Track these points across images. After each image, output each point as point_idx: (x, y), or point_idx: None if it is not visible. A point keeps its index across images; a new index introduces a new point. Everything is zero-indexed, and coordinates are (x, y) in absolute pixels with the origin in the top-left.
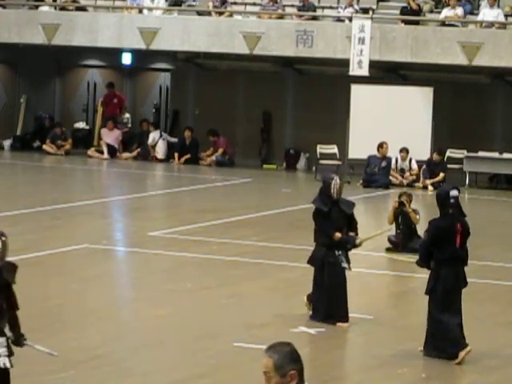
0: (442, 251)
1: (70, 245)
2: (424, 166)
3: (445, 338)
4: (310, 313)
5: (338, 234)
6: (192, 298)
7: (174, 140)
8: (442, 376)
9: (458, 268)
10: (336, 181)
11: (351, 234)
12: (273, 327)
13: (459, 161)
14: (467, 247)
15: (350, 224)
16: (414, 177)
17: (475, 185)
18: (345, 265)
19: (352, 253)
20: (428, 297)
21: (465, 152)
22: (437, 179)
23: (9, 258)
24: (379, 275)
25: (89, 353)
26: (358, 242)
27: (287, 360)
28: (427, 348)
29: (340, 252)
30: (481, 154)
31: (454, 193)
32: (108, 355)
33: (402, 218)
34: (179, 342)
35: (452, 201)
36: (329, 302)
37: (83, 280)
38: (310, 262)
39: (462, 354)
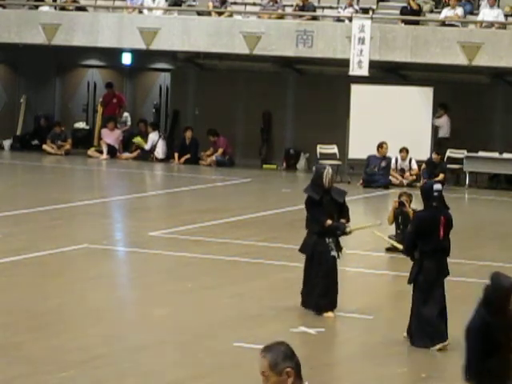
0: (426, 242)
1: (70, 245)
2: (424, 166)
3: (425, 330)
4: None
5: (328, 221)
6: (192, 297)
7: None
8: (442, 376)
9: (440, 259)
10: (328, 171)
11: (342, 220)
12: (273, 327)
13: (459, 161)
14: (450, 239)
15: (342, 211)
16: (414, 177)
17: (475, 185)
18: (334, 253)
19: (352, 252)
20: (412, 287)
21: (465, 152)
22: (436, 179)
23: (9, 258)
24: (379, 275)
25: (89, 353)
26: (348, 230)
27: (281, 358)
28: (413, 338)
29: (330, 239)
30: (481, 154)
31: (437, 186)
32: (108, 355)
33: (402, 218)
34: (179, 342)
35: (436, 194)
36: (314, 289)
37: (83, 280)
38: (302, 249)
39: (438, 346)
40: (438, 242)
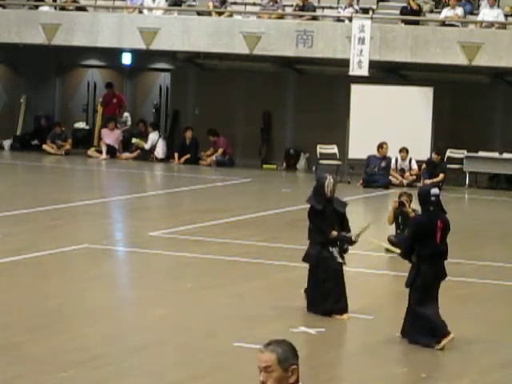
0: (423, 246)
1: (70, 245)
2: (424, 166)
3: (424, 330)
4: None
5: (334, 232)
6: (192, 297)
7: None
8: (442, 376)
9: (438, 263)
10: (330, 180)
11: (344, 233)
12: (273, 327)
13: (459, 161)
14: (447, 242)
15: (343, 221)
16: (414, 177)
17: (475, 185)
18: (340, 260)
19: (352, 252)
20: (409, 289)
21: (465, 152)
22: (436, 179)
23: (9, 258)
24: (379, 275)
25: (89, 353)
26: (354, 238)
27: (290, 354)
28: (410, 336)
29: (334, 249)
30: (481, 153)
31: (434, 191)
32: (108, 355)
33: (402, 218)
34: (179, 342)
35: (433, 198)
36: (326, 296)
37: (83, 280)
38: (305, 259)
39: (444, 341)
40: (435, 246)
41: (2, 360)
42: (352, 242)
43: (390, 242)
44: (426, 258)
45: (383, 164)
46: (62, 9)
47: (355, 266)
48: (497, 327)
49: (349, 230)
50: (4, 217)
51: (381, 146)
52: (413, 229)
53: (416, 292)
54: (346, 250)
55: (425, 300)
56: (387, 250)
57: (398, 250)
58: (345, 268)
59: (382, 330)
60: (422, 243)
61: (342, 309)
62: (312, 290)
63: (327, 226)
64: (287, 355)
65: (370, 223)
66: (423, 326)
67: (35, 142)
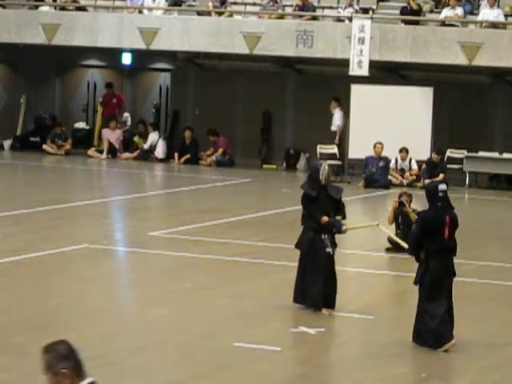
0: (431, 242)
1: (70, 245)
2: (424, 166)
3: (429, 330)
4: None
5: (325, 218)
6: (192, 297)
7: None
8: (442, 376)
9: (446, 259)
10: (324, 167)
11: (338, 218)
12: (273, 327)
13: (459, 161)
14: (455, 238)
15: (338, 208)
16: (414, 177)
17: (475, 185)
18: (329, 249)
19: (352, 252)
20: (418, 287)
21: (465, 152)
22: (436, 179)
23: (9, 258)
24: (379, 275)
25: (89, 353)
26: (343, 228)
27: (57, 359)
28: (414, 335)
29: (326, 236)
30: (481, 154)
31: (442, 187)
32: (108, 355)
33: (402, 218)
34: (179, 342)
35: (441, 194)
36: (313, 288)
37: (83, 280)
38: (297, 245)
39: (446, 345)
40: (444, 241)
41: (3, 360)
42: (340, 231)
43: (390, 241)
44: (435, 254)
45: (381, 164)
46: (62, 9)
47: (355, 266)
48: (497, 327)
49: (344, 216)
50: (4, 217)
51: (374, 146)
52: (419, 224)
53: (425, 289)
54: (334, 233)
55: (434, 297)
56: (387, 250)
57: (404, 244)
58: (344, 268)
59: (382, 329)
60: (430, 238)
61: (326, 301)
62: (298, 278)
63: (319, 212)
64: (53, 361)
65: (373, 225)
66: (430, 329)
67: (37, 138)
